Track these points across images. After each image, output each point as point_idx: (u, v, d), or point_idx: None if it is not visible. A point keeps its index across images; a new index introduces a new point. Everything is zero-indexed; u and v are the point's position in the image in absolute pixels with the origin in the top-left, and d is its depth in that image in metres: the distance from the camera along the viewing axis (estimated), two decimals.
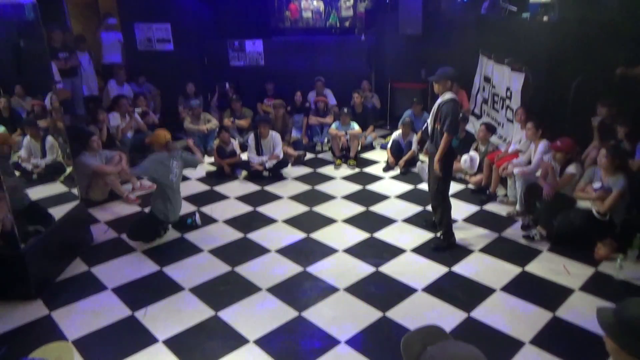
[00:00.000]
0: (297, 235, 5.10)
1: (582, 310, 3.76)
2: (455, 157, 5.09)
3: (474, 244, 4.82)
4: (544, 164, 5.13)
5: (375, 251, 4.75)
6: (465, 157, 6.23)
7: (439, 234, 4.89)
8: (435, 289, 4.11)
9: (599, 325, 1.53)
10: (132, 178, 6.44)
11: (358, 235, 5.06)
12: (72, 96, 7.62)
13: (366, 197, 6.04)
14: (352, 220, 5.41)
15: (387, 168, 6.98)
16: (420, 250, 4.75)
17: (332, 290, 4.12)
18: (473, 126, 7.28)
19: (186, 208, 5.82)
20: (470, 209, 5.64)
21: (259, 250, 4.80)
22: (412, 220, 5.39)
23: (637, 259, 4.34)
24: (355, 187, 6.39)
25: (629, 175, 4.47)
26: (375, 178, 6.72)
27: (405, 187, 6.37)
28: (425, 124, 4.75)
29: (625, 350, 1.47)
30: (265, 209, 5.74)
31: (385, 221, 5.38)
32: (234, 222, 5.42)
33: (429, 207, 5.21)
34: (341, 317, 3.77)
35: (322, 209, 5.73)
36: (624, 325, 1.47)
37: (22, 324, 3.74)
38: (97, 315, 3.84)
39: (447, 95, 4.44)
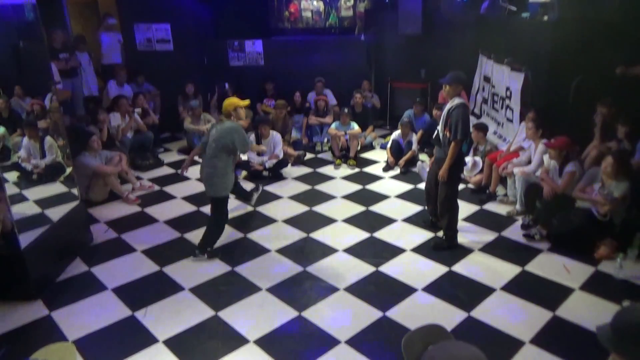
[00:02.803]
0: (297, 235, 5.10)
1: (582, 310, 3.76)
2: (463, 163, 4.96)
3: (474, 244, 4.82)
4: (543, 169, 5.14)
5: (375, 251, 4.75)
6: (468, 159, 6.20)
7: (439, 234, 4.89)
8: (435, 288, 4.11)
9: (600, 340, 1.54)
10: (132, 178, 6.44)
11: (358, 235, 5.06)
12: (72, 96, 7.61)
13: (366, 197, 6.05)
14: (352, 220, 5.41)
15: (387, 168, 6.98)
16: (420, 249, 4.75)
17: (332, 290, 4.12)
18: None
19: (186, 208, 5.84)
20: (470, 208, 5.64)
21: (259, 250, 4.80)
22: (412, 219, 5.39)
23: (637, 259, 4.34)
24: (355, 187, 6.39)
25: (632, 178, 4.45)
26: (375, 178, 6.72)
27: (405, 186, 6.37)
28: (437, 131, 4.64)
29: (626, 357, 1.47)
30: (265, 209, 5.74)
31: (385, 221, 5.38)
32: (233, 222, 5.41)
33: None
34: (341, 316, 3.77)
35: (322, 208, 5.73)
36: (618, 332, 1.48)
37: (22, 325, 3.74)
38: (97, 315, 3.84)
39: (457, 100, 4.37)
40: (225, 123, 4.57)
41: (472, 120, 7.45)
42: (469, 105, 7.45)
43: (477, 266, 4.43)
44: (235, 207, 5.83)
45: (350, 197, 6.08)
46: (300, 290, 4.13)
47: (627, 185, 4.37)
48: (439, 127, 4.59)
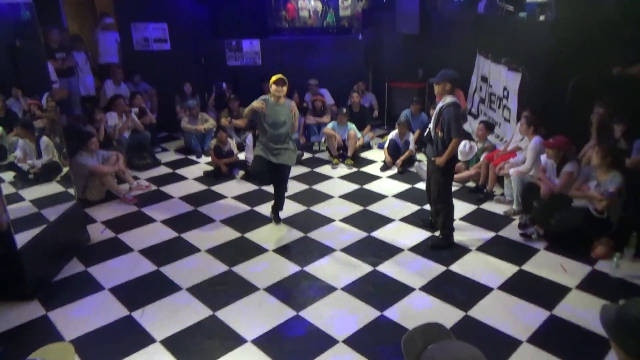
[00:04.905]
0: (294, 234, 5.10)
1: (579, 309, 3.77)
2: (457, 160, 5.08)
3: (471, 243, 4.83)
4: (540, 168, 5.15)
5: (372, 250, 4.75)
6: (465, 142, 6.17)
7: (437, 233, 4.90)
8: (433, 288, 4.12)
9: (600, 323, 1.52)
10: (129, 178, 6.42)
11: (355, 235, 5.06)
12: (69, 96, 7.59)
13: (363, 197, 6.05)
14: (350, 220, 5.41)
15: (385, 167, 6.98)
16: (417, 249, 4.75)
17: (330, 289, 4.12)
18: (470, 125, 7.29)
19: (183, 208, 5.83)
20: (468, 208, 5.65)
21: (257, 250, 4.80)
22: (409, 219, 5.39)
23: (634, 258, 4.36)
24: (352, 187, 6.39)
25: (625, 173, 4.47)
26: (372, 177, 6.72)
27: (403, 186, 6.38)
28: (428, 129, 4.72)
29: (622, 349, 1.47)
30: (263, 209, 5.73)
31: (383, 220, 5.38)
32: (231, 222, 5.41)
33: (427, 206, 5.22)
34: (339, 316, 3.77)
35: (320, 208, 5.73)
36: (621, 323, 1.46)
37: (19, 325, 3.73)
38: (94, 315, 3.83)
39: (448, 99, 4.41)
40: None
41: (470, 120, 7.50)
42: (462, 105, 7.48)
43: (474, 265, 4.44)
44: (232, 206, 5.83)
45: (347, 196, 6.08)
46: (298, 290, 4.13)
47: (621, 178, 4.37)
48: (431, 126, 4.65)
